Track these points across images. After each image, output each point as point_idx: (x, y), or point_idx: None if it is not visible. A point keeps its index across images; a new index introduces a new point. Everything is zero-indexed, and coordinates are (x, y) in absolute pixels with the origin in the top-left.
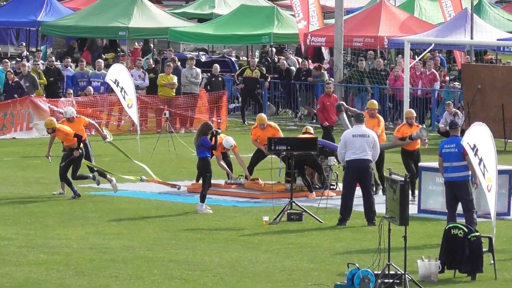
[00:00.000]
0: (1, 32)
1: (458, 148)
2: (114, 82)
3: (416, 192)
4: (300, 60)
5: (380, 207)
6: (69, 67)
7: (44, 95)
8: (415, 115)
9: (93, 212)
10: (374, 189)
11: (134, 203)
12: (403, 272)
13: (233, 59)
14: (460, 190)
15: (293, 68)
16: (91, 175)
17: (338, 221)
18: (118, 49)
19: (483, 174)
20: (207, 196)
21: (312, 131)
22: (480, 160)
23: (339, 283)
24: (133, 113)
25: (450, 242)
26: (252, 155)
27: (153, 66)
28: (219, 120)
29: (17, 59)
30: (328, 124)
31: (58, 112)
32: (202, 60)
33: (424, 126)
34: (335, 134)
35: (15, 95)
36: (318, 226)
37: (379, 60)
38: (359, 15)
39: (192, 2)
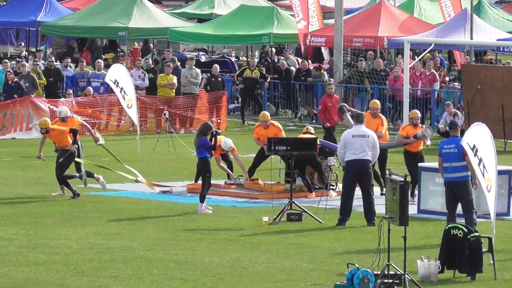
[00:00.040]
0: (1, 33)
1: (458, 149)
2: (114, 83)
3: (416, 192)
4: (299, 60)
5: (380, 208)
6: (68, 67)
7: (44, 95)
8: (420, 115)
9: (92, 212)
10: (381, 190)
11: (133, 203)
12: (402, 272)
13: (233, 59)
14: (459, 191)
15: (292, 68)
16: (77, 174)
17: (337, 221)
18: (118, 49)
19: (483, 175)
20: (207, 196)
21: (312, 131)
22: (480, 160)
23: (338, 283)
24: (133, 113)
25: (449, 242)
26: (254, 155)
27: (152, 66)
28: (218, 121)
29: (18, 59)
30: (329, 125)
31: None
32: (202, 60)
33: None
34: (337, 134)
35: (15, 96)
36: (318, 226)
37: (378, 61)
38: (358, 15)
39: (191, 2)
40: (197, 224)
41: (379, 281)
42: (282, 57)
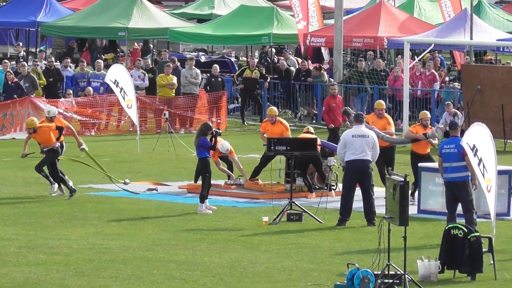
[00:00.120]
0: (1, 33)
1: (458, 149)
2: (114, 83)
3: (416, 192)
4: (299, 60)
5: (379, 208)
6: (68, 68)
7: (44, 95)
8: (429, 116)
9: (92, 213)
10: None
11: (133, 204)
12: (403, 272)
13: (233, 59)
14: (459, 191)
15: (292, 68)
16: (51, 179)
17: (337, 221)
18: (118, 50)
19: (483, 175)
20: (208, 196)
21: (312, 131)
22: (480, 160)
23: (339, 283)
24: (133, 113)
25: (450, 242)
26: (255, 155)
27: (151, 66)
28: (218, 121)
29: (20, 59)
30: (334, 126)
31: (58, 112)
32: (202, 61)
33: (441, 126)
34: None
35: (15, 96)
36: (318, 227)
37: (378, 61)
38: (358, 16)
39: (191, 2)
40: (197, 224)
41: (379, 281)
42: (282, 57)
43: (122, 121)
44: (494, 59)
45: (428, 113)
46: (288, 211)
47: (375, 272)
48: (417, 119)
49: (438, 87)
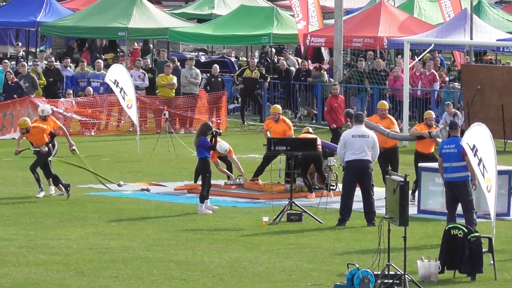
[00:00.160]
0: (1, 33)
1: (458, 149)
2: (114, 83)
3: (416, 192)
4: (299, 60)
5: (380, 209)
6: (68, 68)
7: (44, 95)
8: (434, 116)
9: (92, 213)
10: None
11: (133, 204)
12: (402, 273)
13: (233, 59)
14: (459, 191)
15: (292, 68)
16: (41, 184)
17: (337, 221)
18: (118, 50)
19: (483, 175)
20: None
21: (312, 132)
22: (480, 160)
23: (339, 283)
24: (133, 113)
25: (450, 242)
26: (255, 155)
27: (151, 66)
28: (218, 121)
29: (21, 60)
30: (336, 126)
31: (58, 112)
32: (202, 61)
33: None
34: None
35: (15, 96)
36: (318, 227)
37: (378, 61)
38: (358, 16)
39: (191, 2)
40: (197, 225)
41: (379, 281)
42: (282, 57)
43: (122, 121)
44: (494, 59)
45: (433, 113)
46: (288, 211)
47: (375, 272)
48: (417, 119)
49: (438, 87)
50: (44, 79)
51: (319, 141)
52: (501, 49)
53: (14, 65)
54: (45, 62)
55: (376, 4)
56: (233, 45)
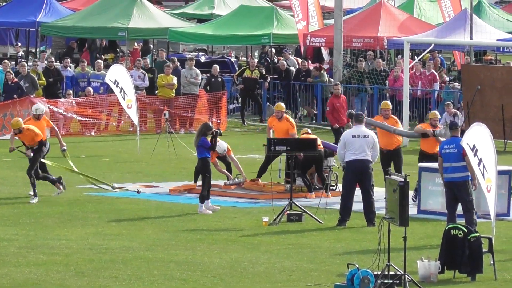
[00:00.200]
0: (1, 33)
1: (458, 149)
2: (114, 83)
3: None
4: (299, 60)
5: (381, 210)
6: (68, 68)
7: (44, 95)
8: (439, 116)
9: (92, 213)
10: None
11: (133, 204)
12: (402, 273)
13: (233, 59)
14: (460, 191)
15: (292, 68)
16: (36, 191)
17: (337, 221)
18: (118, 50)
19: (483, 175)
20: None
21: (310, 132)
22: (480, 160)
23: (339, 283)
24: (133, 113)
25: (450, 242)
26: (256, 155)
27: (150, 66)
28: (218, 121)
29: (21, 60)
30: (338, 125)
31: (58, 112)
32: (202, 61)
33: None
34: None
35: (15, 96)
36: (318, 227)
37: (378, 61)
38: (358, 16)
39: (191, 2)
40: (197, 225)
41: (379, 281)
42: (282, 58)
43: (122, 121)
44: (494, 59)
45: (437, 113)
46: (288, 212)
47: (375, 273)
48: (417, 119)
49: (438, 87)
50: (44, 79)
51: (319, 141)
52: (501, 49)
53: (14, 65)
54: (45, 62)
55: (376, 4)
56: (233, 45)
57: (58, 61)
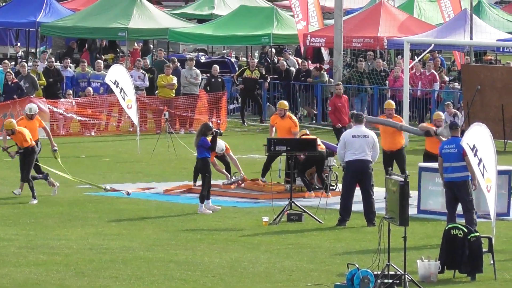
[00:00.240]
0: (1, 33)
1: (458, 149)
2: (114, 83)
3: (416, 192)
4: (299, 60)
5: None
6: (68, 68)
7: (44, 96)
8: (443, 117)
9: (92, 213)
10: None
11: (133, 204)
12: (402, 273)
13: (233, 59)
14: (460, 191)
15: (292, 68)
16: (35, 193)
17: (337, 221)
18: (118, 50)
19: (483, 175)
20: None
21: (308, 133)
22: (480, 160)
23: (339, 283)
24: (133, 114)
25: (450, 242)
26: (256, 155)
27: (149, 66)
28: (218, 121)
29: (22, 60)
30: (341, 125)
31: (58, 113)
32: (202, 61)
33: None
34: None
35: (15, 96)
36: (318, 227)
37: (378, 61)
38: (358, 16)
39: (191, 2)
40: (197, 225)
41: (379, 281)
42: (282, 58)
43: (122, 122)
44: (494, 59)
45: (442, 114)
46: (288, 211)
47: (375, 272)
48: (417, 120)
49: (438, 87)
50: (44, 79)
51: (319, 142)
52: (501, 49)
53: (14, 66)
54: (46, 62)
55: (376, 4)
56: (233, 46)
57: (58, 62)
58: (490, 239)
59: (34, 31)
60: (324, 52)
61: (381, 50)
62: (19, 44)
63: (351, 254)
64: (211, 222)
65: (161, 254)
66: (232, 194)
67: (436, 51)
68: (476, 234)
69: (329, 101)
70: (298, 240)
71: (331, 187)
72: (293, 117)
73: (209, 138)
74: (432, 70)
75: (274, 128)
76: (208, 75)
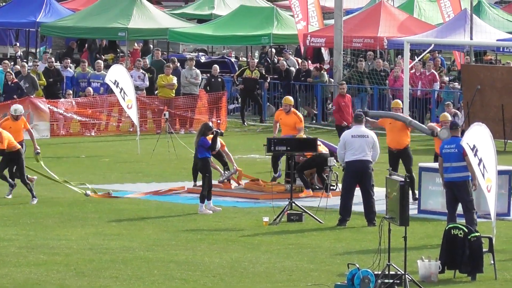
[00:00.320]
0: (1, 33)
1: (458, 149)
2: (114, 83)
3: (416, 192)
4: (299, 60)
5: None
6: (68, 68)
7: (44, 96)
8: (450, 119)
9: (92, 213)
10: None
11: (133, 204)
12: (403, 273)
13: (233, 59)
14: (460, 191)
15: (292, 68)
16: (34, 193)
17: (338, 221)
18: (118, 50)
19: (483, 175)
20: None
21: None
22: (480, 160)
23: (339, 283)
24: (133, 114)
25: (450, 242)
26: (256, 156)
27: (149, 66)
28: (219, 121)
29: (23, 60)
30: (346, 124)
31: (58, 113)
32: (202, 61)
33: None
34: None
35: (15, 96)
36: (318, 227)
37: (378, 61)
38: (358, 16)
39: (191, 2)
40: (198, 225)
41: (379, 281)
42: (282, 58)
43: (122, 122)
44: (494, 59)
45: (448, 115)
46: (288, 211)
47: (376, 272)
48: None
49: (438, 87)
50: (44, 79)
51: (318, 142)
52: (501, 49)
53: (13, 65)
54: (46, 62)
55: (376, 4)
56: (233, 46)
57: (58, 62)
58: (490, 239)
59: (34, 31)
60: (324, 52)
61: (381, 50)
62: (18, 44)
63: (352, 254)
64: (211, 222)
65: (161, 254)
66: (233, 194)
67: (436, 51)
68: (477, 234)
69: (333, 100)
70: (298, 240)
71: (331, 187)
72: (298, 112)
73: (209, 138)
74: (432, 70)
75: (278, 124)
76: (208, 75)
